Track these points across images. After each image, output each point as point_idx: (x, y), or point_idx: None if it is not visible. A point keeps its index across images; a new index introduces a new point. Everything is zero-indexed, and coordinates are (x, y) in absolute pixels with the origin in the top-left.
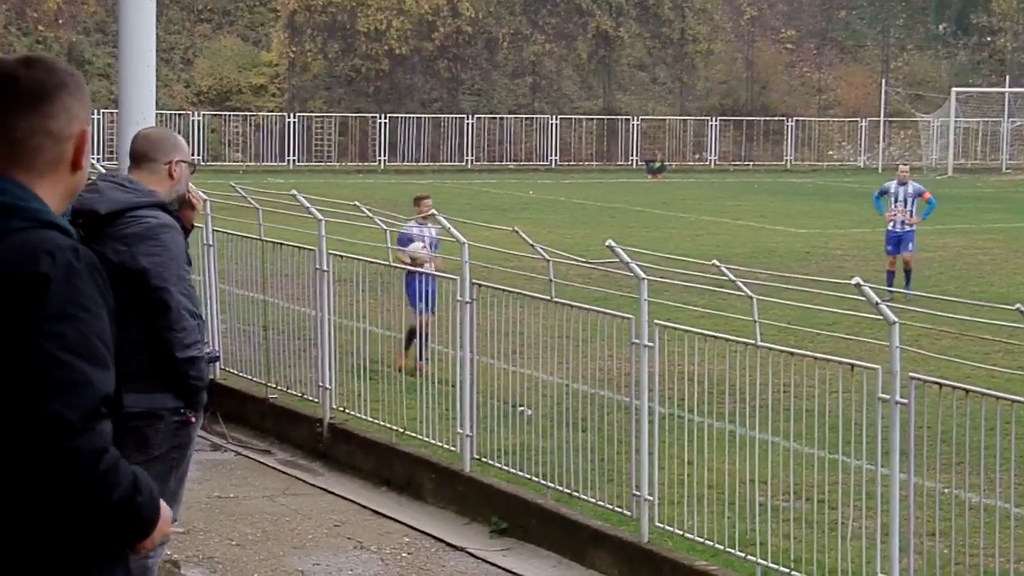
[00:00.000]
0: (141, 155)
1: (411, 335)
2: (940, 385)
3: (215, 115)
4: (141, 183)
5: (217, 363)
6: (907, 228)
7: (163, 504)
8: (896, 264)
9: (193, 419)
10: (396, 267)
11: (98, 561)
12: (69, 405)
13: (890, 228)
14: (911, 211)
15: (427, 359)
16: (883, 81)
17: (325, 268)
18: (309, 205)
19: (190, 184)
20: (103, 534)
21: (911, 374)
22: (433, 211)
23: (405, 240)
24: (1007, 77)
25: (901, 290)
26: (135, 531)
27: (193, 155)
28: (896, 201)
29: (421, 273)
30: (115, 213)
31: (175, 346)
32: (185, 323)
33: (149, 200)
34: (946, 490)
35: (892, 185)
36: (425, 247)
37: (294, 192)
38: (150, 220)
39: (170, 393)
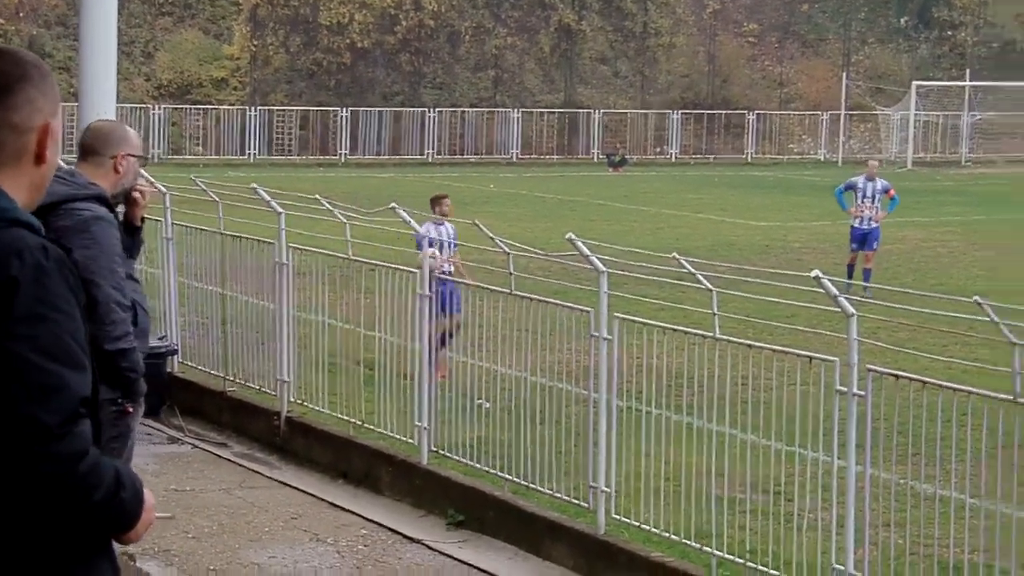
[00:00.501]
0: (87, 148)
1: (440, 341)
2: (897, 377)
3: (176, 108)
4: (82, 175)
5: (175, 356)
6: (874, 225)
7: (147, 492)
8: (857, 260)
9: (131, 409)
10: (358, 261)
11: (83, 557)
12: (46, 410)
13: (856, 224)
14: (878, 207)
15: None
16: (844, 75)
17: (285, 261)
18: (269, 199)
19: (141, 179)
20: (87, 532)
21: (868, 366)
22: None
23: (420, 243)
24: (967, 71)
25: (860, 283)
26: (120, 526)
27: (153, 148)
28: (864, 197)
29: (443, 279)
30: (50, 206)
31: (103, 339)
32: (114, 316)
33: (85, 193)
34: (902, 481)
35: (860, 180)
36: (436, 249)
37: (254, 186)
38: (83, 213)
39: (104, 384)
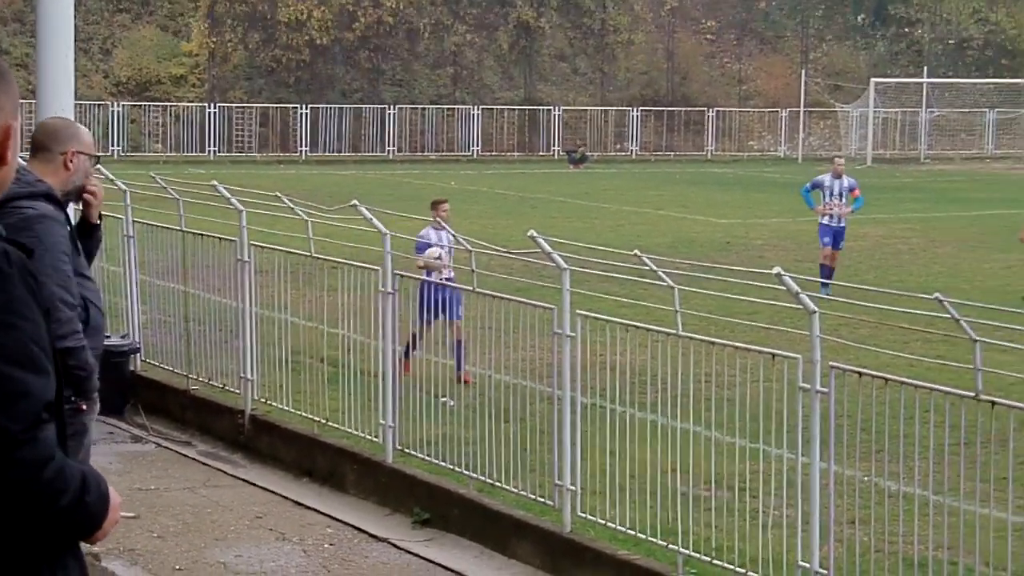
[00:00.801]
0: (38, 144)
1: (413, 343)
2: (860, 374)
3: (135, 105)
4: (29, 173)
5: (138, 354)
6: (842, 224)
7: (112, 492)
8: (828, 256)
9: (84, 407)
10: (320, 258)
11: (49, 558)
12: (10, 416)
13: (826, 222)
14: (844, 204)
15: (466, 368)
16: (803, 72)
17: (246, 259)
18: (230, 196)
19: (93, 178)
20: (54, 535)
21: (831, 363)
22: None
23: (423, 248)
24: (925, 68)
25: (826, 281)
26: (86, 529)
27: (112, 146)
28: (832, 195)
29: (432, 283)
30: None
31: None
32: (59, 315)
33: (29, 190)
34: (866, 478)
35: (827, 178)
36: (440, 254)
37: (215, 183)
38: (27, 211)
39: None
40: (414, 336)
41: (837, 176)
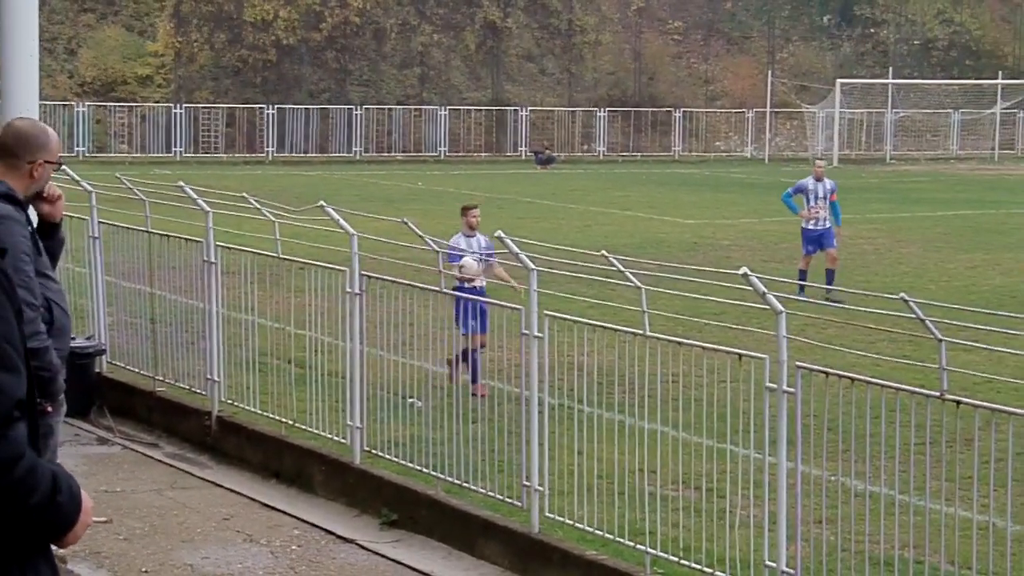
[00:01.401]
0: (6, 150)
1: (463, 357)
2: (826, 374)
3: (100, 106)
4: None
5: (103, 356)
6: (827, 225)
7: (84, 495)
8: (810, 263)
9: (50, 408)
10: (287, 259)
11: (20, 559)
12: None
13: (810, 226)
14: (827, 207)
15: (483, 382)
16: (769, 72)
17: (213, 260)
18: (196, 197)
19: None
20: (24, 535)
21: (798, 363)
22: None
23: (456, 258)
24: (890, 68)
25: (828, 287)
26: (57, 530)
27: (77, 146)
28: (816, 198)
29: (466, 298)
30: None
31: None
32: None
33: None
34: (833, 478)
35: (809, 182)
36: (479, 259)
37: (181, 183)
38: None
39: None
40: (465, 351)
41: (818, 179)
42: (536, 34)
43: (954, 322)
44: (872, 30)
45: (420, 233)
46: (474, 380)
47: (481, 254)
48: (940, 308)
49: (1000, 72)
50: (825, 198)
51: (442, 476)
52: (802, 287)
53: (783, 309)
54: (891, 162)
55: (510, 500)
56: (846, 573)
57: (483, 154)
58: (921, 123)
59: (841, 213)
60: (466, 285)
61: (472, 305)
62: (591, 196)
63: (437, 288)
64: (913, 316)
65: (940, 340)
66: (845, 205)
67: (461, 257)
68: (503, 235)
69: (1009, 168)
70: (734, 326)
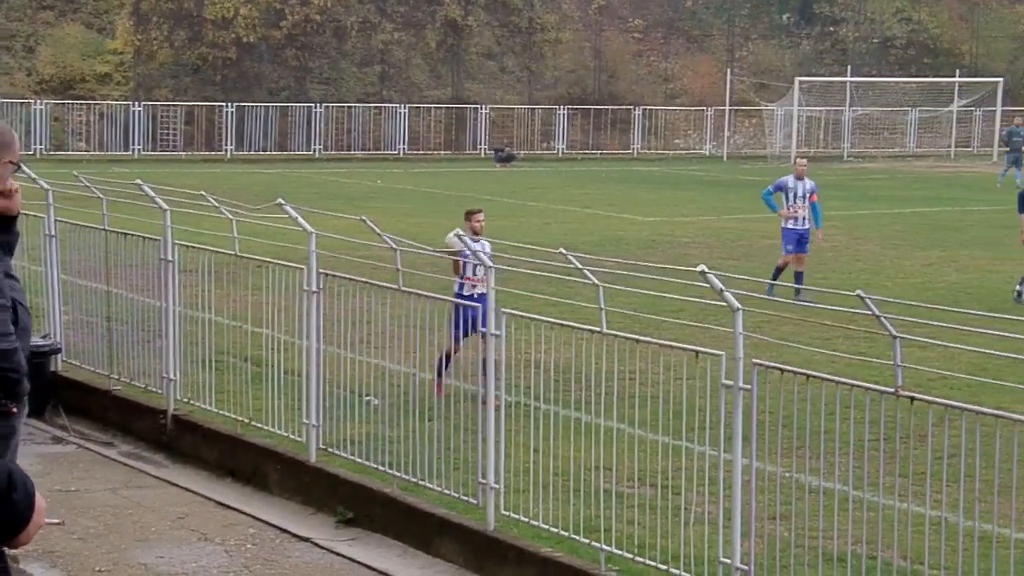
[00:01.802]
0: None
1: (445, 362)
2: (782, 371)
3: (58, 103)
4: None
5: (59, 355)
6: (808, 225)
7: (38, 496)
8: (788, 263)
9: (15, 409)
10: (245, 257)
11: None
12: None
13: (791, 226)
14: (808, 206)
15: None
16: (728, 70)
17: (170, 258)
18: (154, 195)
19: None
20: None
21: (754, 360)
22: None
23: (464, 259)
24: (849, 67)
25: (791, 284)
26: (11, 528)
27: (35, 144)
28: (796, 197)
29: (463, 304)
30: None
31: None
32: None
33: None
34: (787, 474)
35: (790, 180)
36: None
37: (139, 182)
38: None
39: None
40: (447, 355)
41: (799, 178)
42: (497, 32)
43: (910, 319)
44: (831, 28)
45: (379, 231)
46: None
47: (489, 255)
48: (896, 305)
49: (958, 70)
50: (805, 197)
51: (398, 474)
52: (771, 286)
53: (740, 306)
54: (849, 160)
55: (466, 498)
56: (799, 569)
57: (443, 152)
58: (879, 121)
59: (821, 214)
60: (464, 292)
61: (470, 312)
62: (551, 194)
63: (395, 286)
64: (869, 313)
65: (895, 337)
66: None
67: (465, 257)
68: (461, 233)
69: (966, 166)
70: (691, 323)
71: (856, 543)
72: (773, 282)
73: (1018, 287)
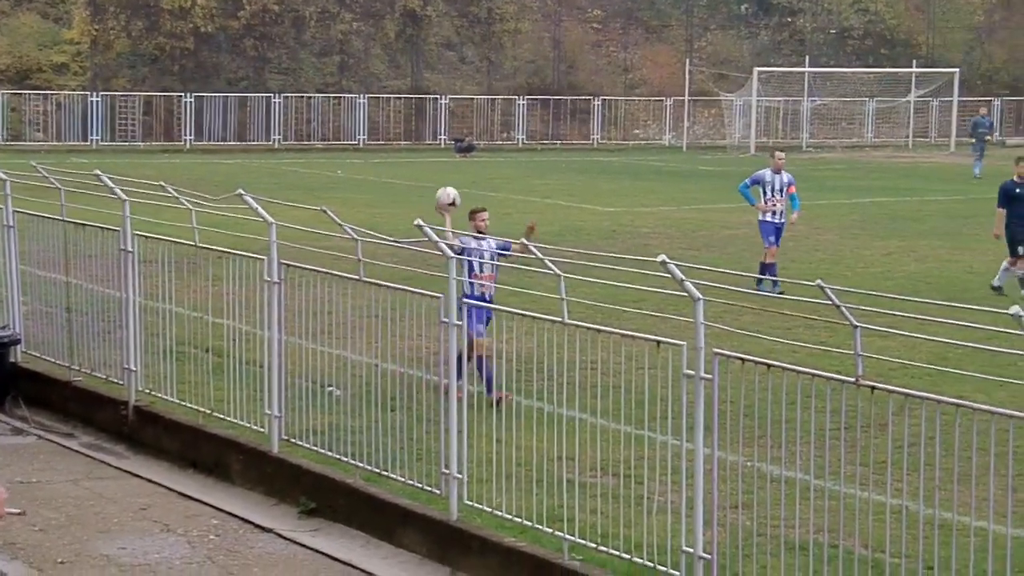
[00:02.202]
0: None
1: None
2: (743, 360)
3: (15, 94)
4: None
5: (18, 346)
6: (783, 218)
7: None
8: (775, 255)
9: None
10: (205, 248)
11: None
12: None
13: (769, 218)
14: (785, 199)
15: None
16: (687, 61)
17: (130, 249)
18: (113, 185)
19: None
20: None
21: (715, 350)
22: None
23: (460, 251)
24: (807, 57)
25: (765, 277)
26: None
27: None
28: (774, 191)
29: (477, 305)
30: None
31: None
32: None
33: None
34: (749, 463)
35: (767, 173)
36: (491, 253)
37: (97, 172)
38: None
39: None
40: (459, 358)
41: (777, 171)
42: (456, 22)
43: (870, 308)
44: (789, 19)
45: (339, 221)
46: (489, 389)
47: (494, 252)
48: (856, 295)
49: (914, 61)
50: (782, 190)
51: (361, 464)
52: (775, 281)
53: (701, 296)
54: (807, 150)
55: (429, 488)
56: (762, 558)
57: (403, 142)
58: (837, 111)
59: (800, 203)
60: (476, 293)
61: (480, 311)
62: (510, 184)
63: (356, 277)
64: (829, 303)
65: (856, 326)
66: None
67: (470, 255)
68: (422, 223)
69: (923, 156)
70: (652, 313)
71: (818, 531)
72: (762, 277)
73: (996, 281)
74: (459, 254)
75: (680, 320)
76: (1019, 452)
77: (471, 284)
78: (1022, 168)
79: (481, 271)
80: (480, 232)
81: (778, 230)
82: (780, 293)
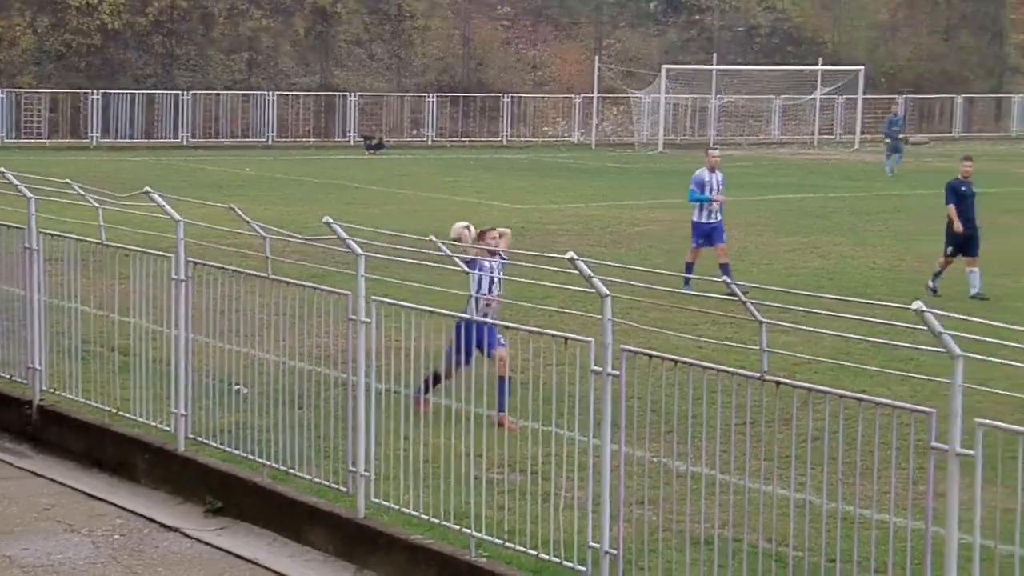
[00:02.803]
0: None
1: (435, 381)
2: (650, 356)
3: None
4: None
5: None
6: (719, 218)
7: None
8: (697, 256)
9: None
10: (111, 246)
11: None
12: None
13: (704, 219)
14: (722, 195)
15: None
16: (596, 58)
17: (35, 247)
18: (18, 183)
19: None
20: None
21: (622, 346)
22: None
23: (476, 269)
24: (715, 55)
25: (719, 279)
26: None
27: None
28: (714, 190)
29: (471, 320)
30: None
31: None
32: None
33: None
34: (655, 459)
35: (705, 174)
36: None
37: (2, 169)
38: None
39: None
40: (436, 375)
41: (712, 169)
42: (366, 19)
43: (774, 304)
44: (697, 17)
45: (248, 219)
46: (501, 407)
47: (498, 276)
48: (761, 290)
49: (820, 58)
50: (718, 188)
51: (268, 463)
52: (687, 280)
53: (608, 293)
54: (715, 147)
55: (336, 486)
56: (667, 552)
57: (312, 139)
58: (744, 108)
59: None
60: (480, 308)
61: (476, 332)
62: (420, 181)
63: (264, 274)
64: (735, 298)
65: (761, 322)
66: (670, 190)
67: (479, 270)
68: (330, 220)
69: (828, 153)
70: (560, 310)
71: (722, 526)
72: (688, 275)
73: (930, 282)
74: (476, 266)
75: (588, 317)
76: (919, 446)
77: (476, 301)
78: (967, 167)
79: (490, 290)
80: (491, 252)
81: (711, 232)
82: (687, 290)
